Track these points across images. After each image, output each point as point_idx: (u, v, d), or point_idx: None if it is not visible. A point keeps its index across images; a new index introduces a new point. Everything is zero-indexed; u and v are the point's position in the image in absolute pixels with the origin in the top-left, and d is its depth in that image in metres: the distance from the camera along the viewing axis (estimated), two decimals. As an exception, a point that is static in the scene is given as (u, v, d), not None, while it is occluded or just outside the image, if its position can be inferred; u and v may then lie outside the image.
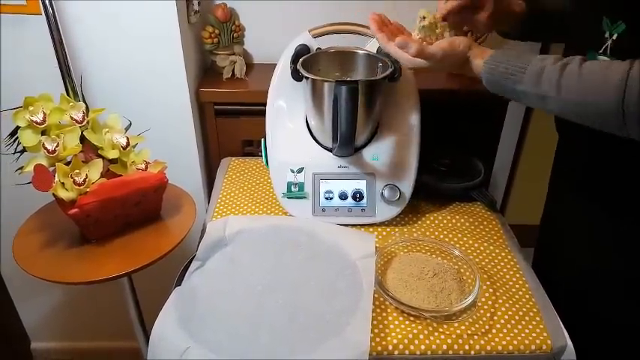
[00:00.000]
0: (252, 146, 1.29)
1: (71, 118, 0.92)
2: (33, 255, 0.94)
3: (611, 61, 0.67)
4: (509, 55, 0.73)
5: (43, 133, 0.90)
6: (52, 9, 1.00)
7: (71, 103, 0.93)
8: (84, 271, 0.91)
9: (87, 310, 1.54)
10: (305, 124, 1.05)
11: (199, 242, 0.94)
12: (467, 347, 0.76)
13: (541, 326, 0.80)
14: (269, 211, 1.06)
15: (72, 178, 0.88)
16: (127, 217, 0.97)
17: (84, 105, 0.94)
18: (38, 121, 0.89)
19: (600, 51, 0.74)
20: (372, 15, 0.84)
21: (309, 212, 1.01)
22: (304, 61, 0.97)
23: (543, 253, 1.06)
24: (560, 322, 0.81)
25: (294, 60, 0.97)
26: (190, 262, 0.90)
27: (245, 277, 0.88)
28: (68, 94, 1.06)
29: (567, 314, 0.82)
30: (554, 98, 0.68)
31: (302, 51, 1.00)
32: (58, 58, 1.04)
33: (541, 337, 0.78)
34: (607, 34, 0.73)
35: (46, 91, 0.91)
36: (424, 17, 0.82)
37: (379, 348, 0.76)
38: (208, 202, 1.14)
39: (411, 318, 0.81)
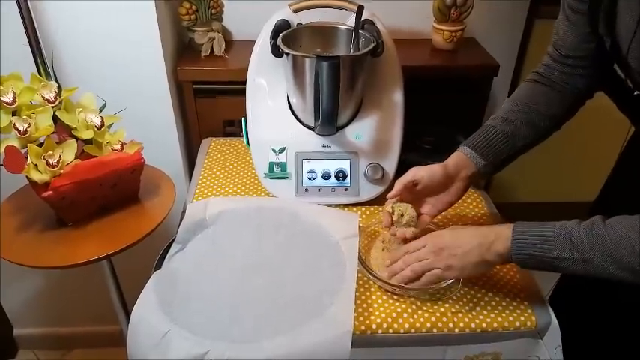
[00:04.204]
0: (234, 126, 1.26)
1: (43, 97, 0.89)
2: (8, 240, 0.92)
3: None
4: (529, 226, 0.70)
5: (14, 113, 0.87)
6: (20, -16, 0.95)
7: (42, 82, 0.90)
8: (61, 255, 0.89)
9: (70, 294, 1.51)
10: (286, 102, 1.02)
11: (179, 224, 0.92)
12: (451, 325, 0.76)
13: (525, 303, 0.80)
14: (251, 193, 1.04)
15: (45, 159, 0.86)
16: (104, 200, 0.95)
17: (56, 84, 0.91)
18: (8, 101, 0.86)
19: None
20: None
21: (292, 193, 1.00)
22: (284, 37, 0.95)
23: None
24: (546, 299, 0.81)
25: (274, 35, 0.94)
26: (170, 244, 0.88)
27: (226, 258, 0.86)
28: (39, 72, 1.02)
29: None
30: (596, 263, 0.64)
31: (282, 26, 0.97)
32: (27, 36, 1.00)
33: (525, 314, 0.78)
34: None
35: (16, 70, 0.88)
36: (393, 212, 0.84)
37: (363, 327, 0.75)
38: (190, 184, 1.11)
39: (395, 297, 0.80)
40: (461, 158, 0.85)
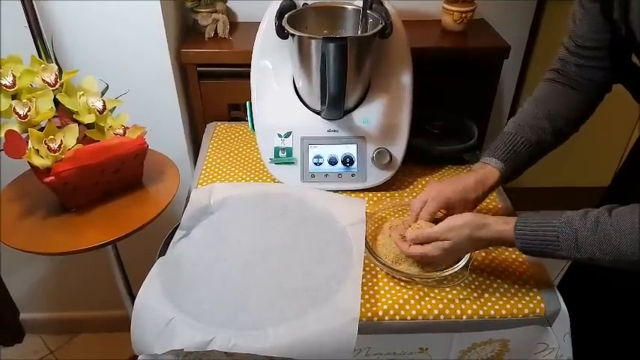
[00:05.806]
0: (239, 110, 1.25)
1: (43, 80, 0.87)
2: (11, 226, 0.91)
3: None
4: (533, 224, 0.69)
5: (14, 97, 0.86)
6: (19, -36, 0.93)
7: (42, 65, 0.88)
8: (65, 241, 0.88)
9: (75, 279, 1.52)
10: (292, 85, 1.00)
11: (184, 210, 0.91)
12: (458, 312, 0.75)
13: (534, 290, 0.78)
14: (256, 178, 1.03)
15: (46, 144, 0.84)
16: (107, 185, 0.94)
17: (56, 67, 0.89)
18: (8, 84, 0.84)
19: None
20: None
21: (298, 178, 0.98)
22: (290, 18, 0.92)
23: None
24: (555, 286, 0.79)
25: (279, 16, 0.92)
26: (174, 231, 0.87)
27: (232, 245, 0.85)
28: (39, 55, 1.00)
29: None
30: (601, 259, 0.65)
31: (287, 7, 0.94)
32: (27, 18, 0.98)
33: (534, 301, 0.76)
34: None
35: (16, 52, 0.86)
36: None
37: (369, 314, 0.74)
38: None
39: (402, 283, 0.79)
40: (492, 173, 0.84)
